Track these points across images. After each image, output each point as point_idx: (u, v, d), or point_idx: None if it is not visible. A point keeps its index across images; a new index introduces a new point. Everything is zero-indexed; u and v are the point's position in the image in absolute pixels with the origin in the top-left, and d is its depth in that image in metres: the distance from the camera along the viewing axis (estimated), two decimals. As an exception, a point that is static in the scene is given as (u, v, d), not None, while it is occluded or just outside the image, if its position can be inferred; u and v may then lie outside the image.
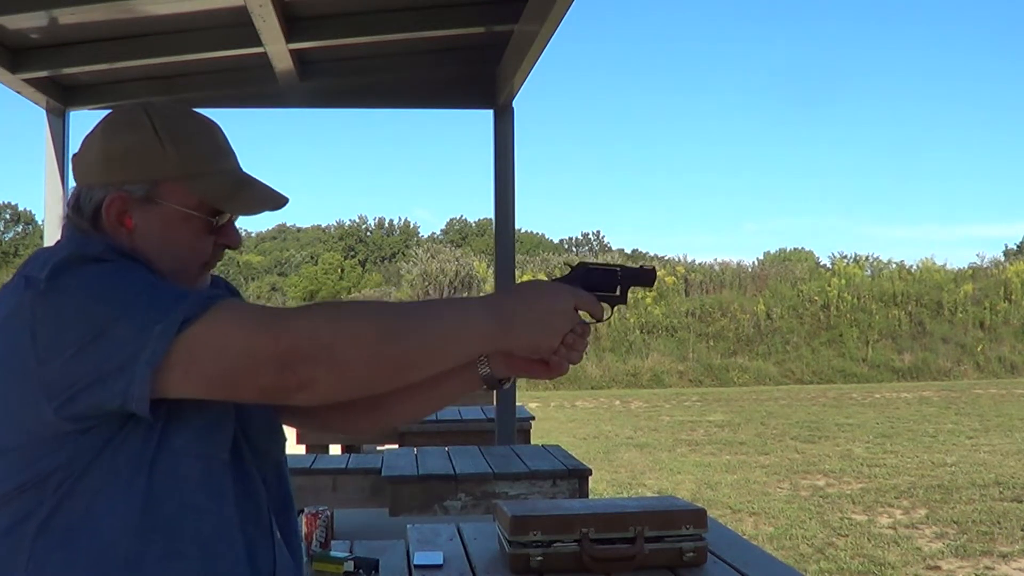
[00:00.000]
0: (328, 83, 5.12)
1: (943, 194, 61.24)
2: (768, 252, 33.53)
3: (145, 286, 1.23)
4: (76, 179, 1.38)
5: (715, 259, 30.17)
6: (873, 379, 19.80)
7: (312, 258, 40.65)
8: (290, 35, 4.18)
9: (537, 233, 41.84)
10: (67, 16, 3.99)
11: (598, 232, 44.59)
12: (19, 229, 39.15)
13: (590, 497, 4.42)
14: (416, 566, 2.40)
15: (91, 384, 1.18)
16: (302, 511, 2.45)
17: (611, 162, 64.24)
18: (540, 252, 31.41)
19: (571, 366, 1.42)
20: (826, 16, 60.74)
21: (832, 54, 60.10)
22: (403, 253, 36.91)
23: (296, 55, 4.52)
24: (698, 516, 2.40)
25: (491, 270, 20.73)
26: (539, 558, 2.33)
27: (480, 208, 51.33)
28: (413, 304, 1.31)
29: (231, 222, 1.41)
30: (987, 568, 5.96)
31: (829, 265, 26.60)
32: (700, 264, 25.09)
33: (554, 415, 14.25)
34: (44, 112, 5.05)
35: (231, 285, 1.54)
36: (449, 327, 1.28)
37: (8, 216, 39.39)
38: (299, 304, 1.96)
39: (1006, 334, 21.36)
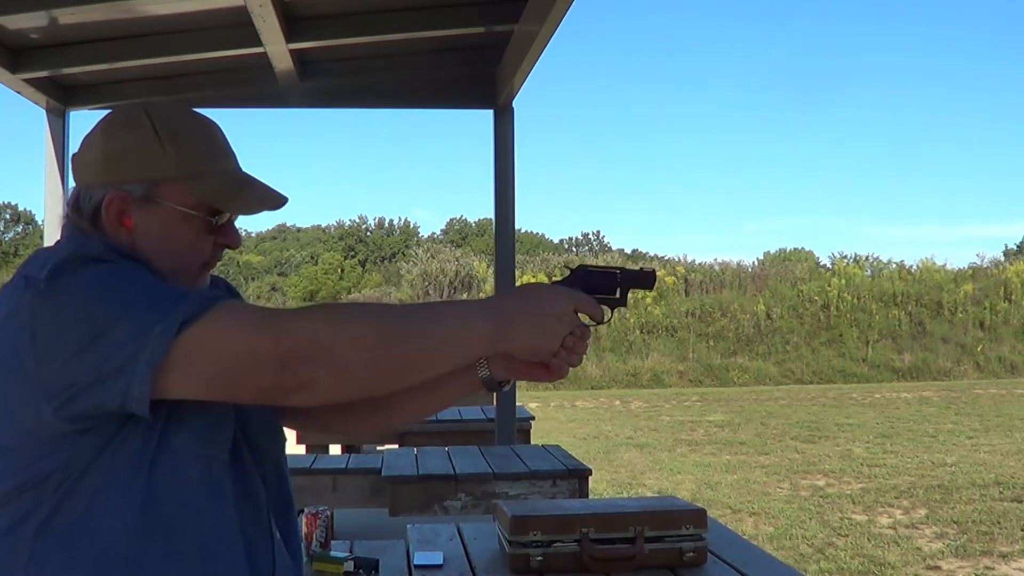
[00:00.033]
0: (328, 83, 5.13)
1: (943, 194, 61.26)
2: (768, 252, 33.53)
3: (145, 286, 1.23)
4: (76, 179, 1.38)
5: (715, 259, 30.21)
6: (873, 379, 19.80)
7: (312, 258, 40.61)
8: (290, 35, 4.19)
9: (537, 233, 41.86)
10: (67, 16, 3.99)
11: (598, 232, 44.66)
12: (19, 229, 39.13)
13: (590, 497, 4.42)
14: (416, 566, 2.40)
15: (91, 384, 1.18)
16: (302, 511, 2.45)
17: (611, 162, 64.26)
18: (540, 252, 31.41)
19: (571, 368, 1.42)
20: (826, 16, 60.79)
21: (832, 54, 60.13)
22: (403, 253, 36.90)
23: (296, 55, 4.53)
24: (698, 516, 2.40)
25: (491, 270, 20.71)
26: (539, 558, 2.33)
27: (480, 208, 51.37)
28: (413, 306, 1.31)
29: (231, 222, 1.41)
30: (987, 568, 5.96)
31: (829, 265, 26.61)
32: (700, 264, 25.12)
33: (554, 415, 14.25)
34: (44, 112, 5.06)
35: (231, 285, 1.54)
36: (449, 329, 1.28)
37: (8, 216, 39.38)
38: (299, 305, 1.97)
39: (1006, 334, 21.36)
